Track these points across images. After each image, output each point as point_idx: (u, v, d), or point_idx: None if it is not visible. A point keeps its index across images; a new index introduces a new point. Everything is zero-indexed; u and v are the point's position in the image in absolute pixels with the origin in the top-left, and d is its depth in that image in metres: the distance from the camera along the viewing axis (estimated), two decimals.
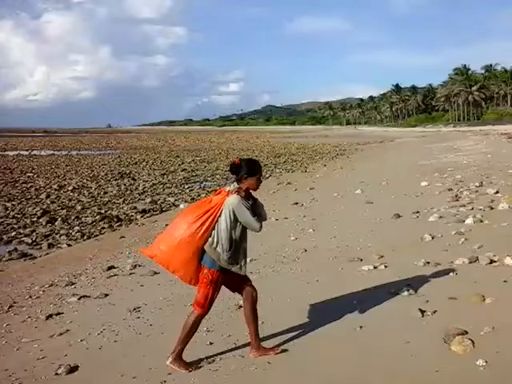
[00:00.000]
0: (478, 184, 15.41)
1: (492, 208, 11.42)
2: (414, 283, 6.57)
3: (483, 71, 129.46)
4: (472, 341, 4.74)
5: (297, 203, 14.61)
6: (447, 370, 4.34)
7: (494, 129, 66.71)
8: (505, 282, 6.41)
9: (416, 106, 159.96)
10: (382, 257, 8.04)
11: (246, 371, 4.62)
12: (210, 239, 4.46)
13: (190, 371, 4.61)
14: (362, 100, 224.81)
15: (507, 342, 4.75)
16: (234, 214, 4.41)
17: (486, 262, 7.24)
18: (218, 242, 4.45)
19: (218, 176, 25.95)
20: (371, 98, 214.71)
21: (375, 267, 7.52)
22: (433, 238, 9.07)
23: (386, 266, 7.52)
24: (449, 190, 14.98)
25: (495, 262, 7.26)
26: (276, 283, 7.21)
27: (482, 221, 10.15)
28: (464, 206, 12.01)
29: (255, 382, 4.42)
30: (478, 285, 6.34)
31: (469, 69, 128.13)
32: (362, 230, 10.28)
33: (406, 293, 6.26)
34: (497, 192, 13.61)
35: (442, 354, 4.64)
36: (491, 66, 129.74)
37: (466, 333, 4.94)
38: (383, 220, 11.29)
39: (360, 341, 5.08)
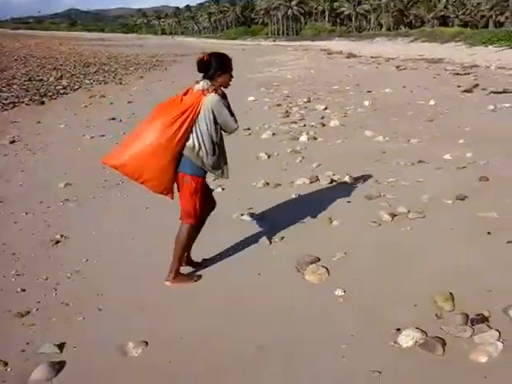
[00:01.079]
0: (306, 100, 15.73)
1: (324, 125, 11.67)
2: (256, 207, 6.32)
3: None
4: (326, 268, 4.61)
5: (114, 118, 13.60)
6: (306, 303, 4.12)
7: (313, 44, 69.58)
8: (348, 202, 6.46)
9: (235, 17, 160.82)
10: (216, 178, 7.68)
11: (69, 322, 3.98)
12: (190, 143, 4.22)
13: (196, 280, 4.58)
14: (178, 9, 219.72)
15: (360, 266, 4.70)
16: (214, 115, 4.22)
17: (327, 181, 7.26)
18: (200, 146, 4.22)
19: (15, 86, 23.36)
20: (188, 7, 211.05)
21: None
22: (269, 157, 8.94)
23: (223, 189, 7.17)
24: (278, 105, 15.08)
25: (336, 181, 7.32)
26: (99, 211, 6.53)
27: (316, 138, 10.29)
28: (296, 122, 12.13)
29: (80, 335, 3.81)
30: (323, 206, 6.28)
31: None
32: None
33: (248, 218, 5.99)
34: (325, 108, 14.00)
35: (297, 285, 4.43)
36: None
37: (319, 260, 4.80)
38: None
39: (203, 277, 4.68)
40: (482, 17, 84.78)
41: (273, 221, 5.86)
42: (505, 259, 4.71)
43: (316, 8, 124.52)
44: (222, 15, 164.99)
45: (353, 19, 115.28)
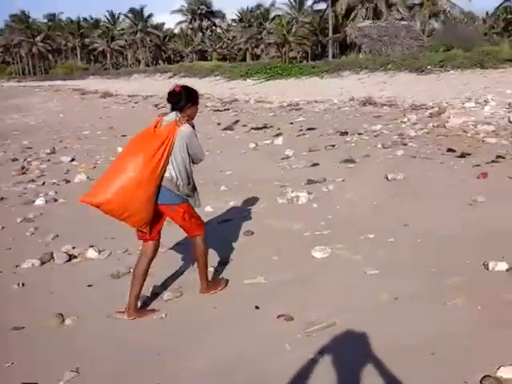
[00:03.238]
0: (49, 151, 14.42)
1: (68, 181, 10.52)
2: None
3: (46, 20, 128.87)
4: None
5: None
6: None
7: (66, 84, 67.19)
8: (90, 286, 5.42)
9: None
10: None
11: None
12: (168, 174, 4.46)
13: (226, 284, 5.13)
14: None
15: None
16: (186, 146, 4.47)
17: (64, 259, 6.14)
18: (177, 177, 4.48)
19: None
20: None
21: None
22: None
23: None
24: (13, 160, 13.52)
25: (76, 257, 6.26)
26: None
27: (56, 200, 9.11)
28: (33, 180, 10.84)
29: None
30: (56, 300, 5.17)
31: (29, 16, 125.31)
32: None
33: None
34: (73, 159, 12.92)
35: None
36: (55, 15, 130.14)
37: None
38: None
39: None
40: (240, 50, 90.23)
41: None
42: (271, 345, 4.07)
43: (66, 45, 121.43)
44: None
45: (108, 56, 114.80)
